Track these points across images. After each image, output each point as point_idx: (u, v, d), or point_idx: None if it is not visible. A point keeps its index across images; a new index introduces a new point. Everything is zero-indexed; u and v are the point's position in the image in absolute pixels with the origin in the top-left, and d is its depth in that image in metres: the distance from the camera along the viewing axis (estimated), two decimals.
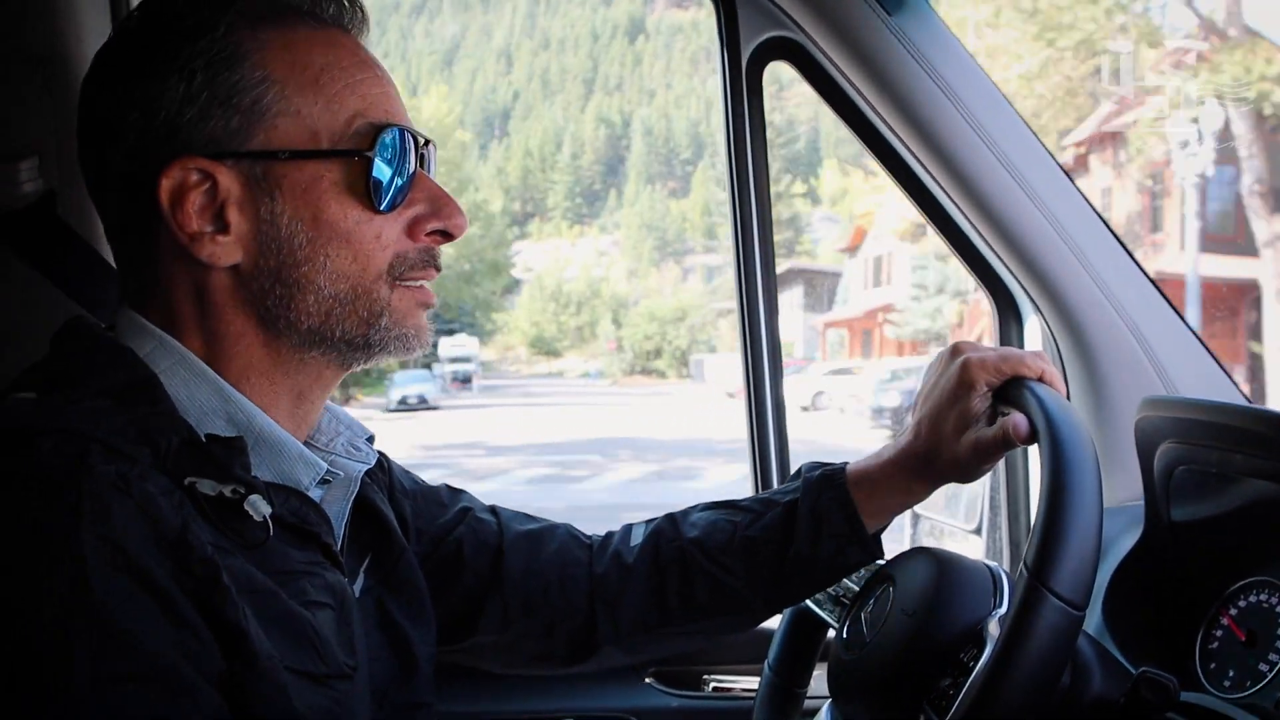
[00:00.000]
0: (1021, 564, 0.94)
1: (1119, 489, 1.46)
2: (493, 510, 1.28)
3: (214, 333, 0.95)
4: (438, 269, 1.01)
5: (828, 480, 1.22)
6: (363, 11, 1.01)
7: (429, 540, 1.21)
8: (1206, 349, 1.49)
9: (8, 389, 0.89)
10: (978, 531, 1.66)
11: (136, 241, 0.95)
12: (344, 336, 0.96)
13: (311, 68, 0.94)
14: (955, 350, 1.17)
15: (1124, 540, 1.34)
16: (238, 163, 0.92)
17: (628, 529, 1.29)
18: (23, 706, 0.73)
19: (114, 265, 1.00)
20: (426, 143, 1.01)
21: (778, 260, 1.72)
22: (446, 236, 1.01)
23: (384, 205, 0.96)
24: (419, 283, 1.00)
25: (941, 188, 1.51)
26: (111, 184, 0.95)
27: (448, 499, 1.26)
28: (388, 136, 0.95)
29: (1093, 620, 1.30)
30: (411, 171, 0.98)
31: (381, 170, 0.95)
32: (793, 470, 1.28)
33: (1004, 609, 1.05)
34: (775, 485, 1.77)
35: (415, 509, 1.21)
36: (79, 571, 0.75)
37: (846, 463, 1.23)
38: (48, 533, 0.76)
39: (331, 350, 0.97)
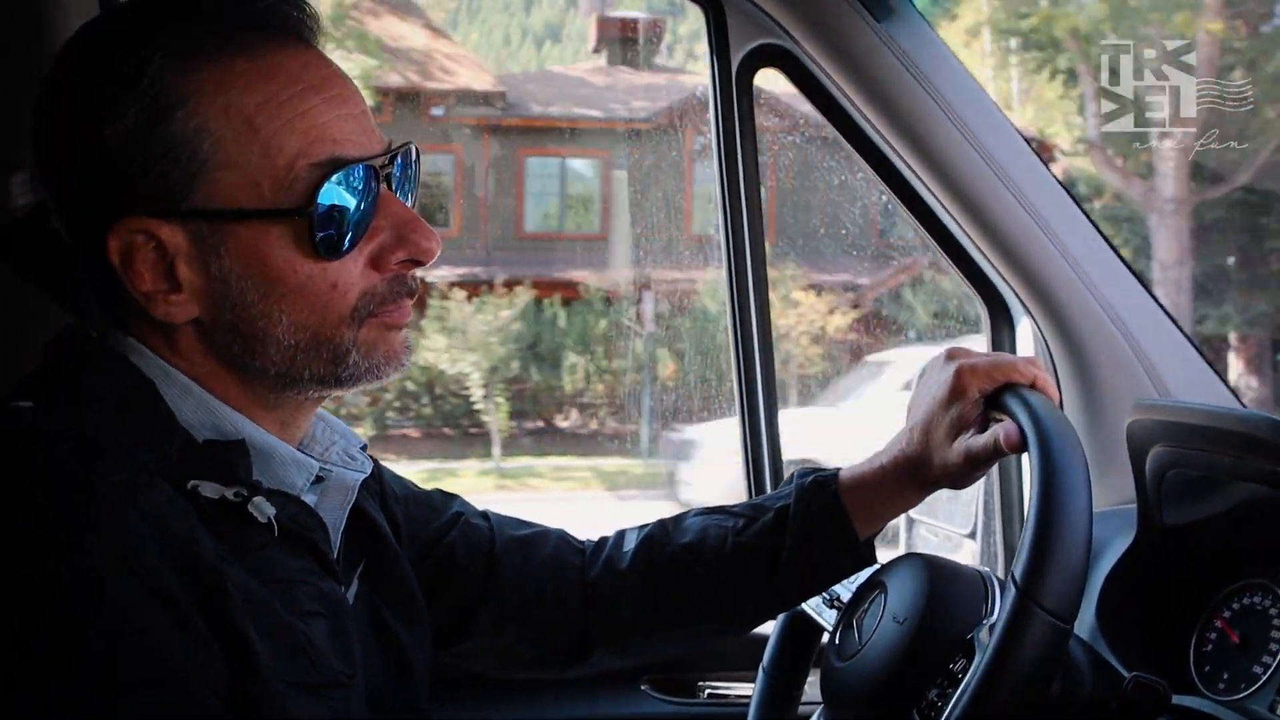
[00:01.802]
0: (1009, 577, 0.94)
1: (1112, 491, 1.46)
2: (485, 515, 1.27)
3: (190, 370, 0.93)
4: (412, 294, 0.97)
5: (819, 486, 1.22)
6: (311, 18, 0.94)
7: (421, 545, 1.20)
8: (1199, 351, 1.49)
9: (6, 397, 0.88)
10: (972, 536, 1.66)
11: (102, 281, 0.92)
12: (313, 378, 0.94)
13: (246, 109, 0.88)
14: (949, 356, 1.17)
15: (1117, 544, 1.34)
16: (182, 220, 0.88)
17: (621, 534, 1.29)
18: (31, 712, 0.73)
19: None
20: (393, 158, 0.95)
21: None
22: (416, 263, 0.96)
23: (335, 254, 0.91)
24: (395, 311, 0.96)
25: (932, 193, 1.51)
26: (69, 226, 0.93)
27: (440, 504, 1.25)
28: (334, 180, 0.89)
29: (1086, 624, 1.30)
30: (371, 201, 0.92)
31: (328, 219, 0.89)
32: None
33: (995, 616, 1.04)
34: (768, 490, 1.77)
35: (407, 515, 1.20)
36: (87, 578, 0.75)
37: (839, 468, 1.23)
38: (56, 539, 0.76)
39: (306, 389, 0.95)
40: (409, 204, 0.99)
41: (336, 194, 0.90)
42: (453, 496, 1.28)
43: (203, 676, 0.78)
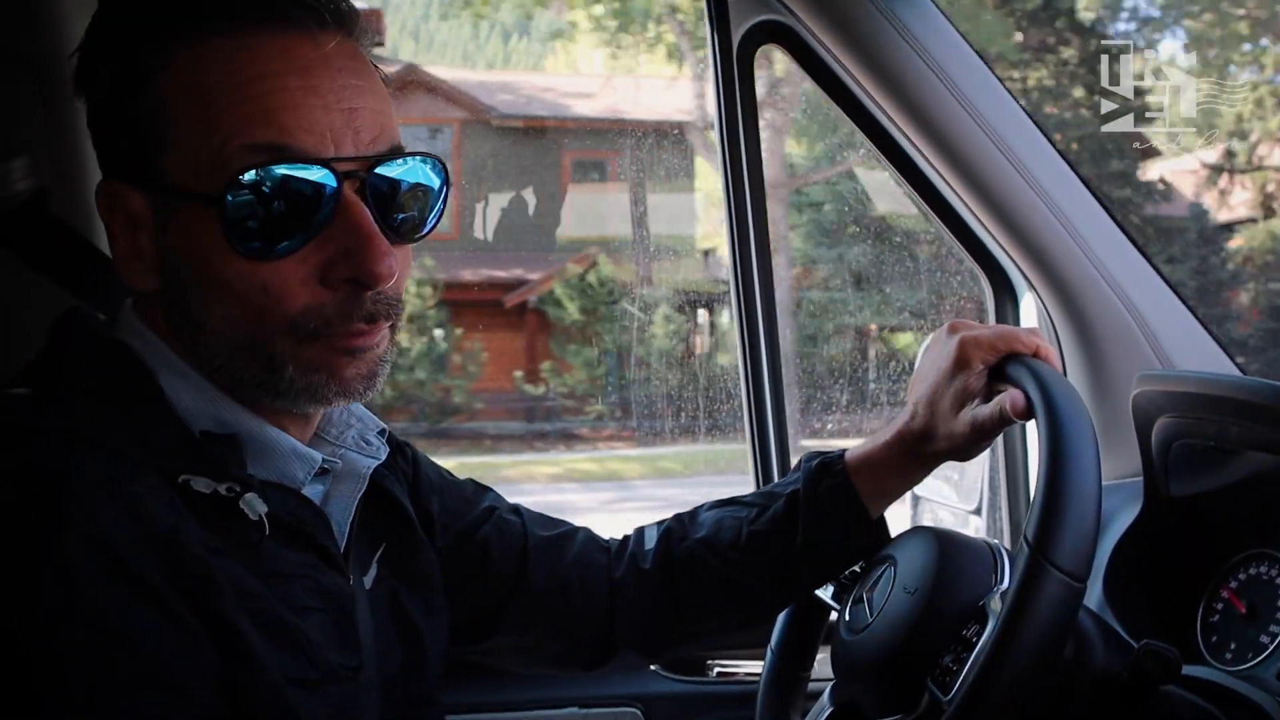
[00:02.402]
0: (1022, 537, 0.94)
1: (1118, 465, 1.46)
2: (516, 510, 1.26)
3: (184, 354, 0.91)
4: (370, 322, 0.88)
5: (826, 468, 1.22)
6: (330, 6, 0.88)
7: (454, 536, 1.19)
8: (1201, 322, 1.49)
9: (6, 384, 0.87)
10: (978, 512, 1.66)
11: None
12: (253, 381, 0.89)
13: (203, 86, 0.84)
14: (951, 329, 1.17)
15: (1124, 516, 1.34)
16: (145, 190, 0.87)
17: (640, 532, 1.29)
18: (17, 713, 0.71)
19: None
20: (374, 164, 0.87)
21: None
22: (363, 286, 0.87)
23: (256, 253, 0.84)
24: (345, 335, 0.88)
25: (935, 168, 1.50)
26: None
27: (473, 495, 1.24)
28: (272, 170, 0.82)
29: (1094, 596, 1.30)
30: (322, 204, 0.85)
31: (249, 212, 0.83)
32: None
33: (1005, 585, 1.05)
34: (777, 477, 1.77)
35: (442, 504, 1.19)
36: (65, 573, 0.73)
37: (844, 450, 1.24)
38: (32, 534, 0.74)
39: (250, 392, 0.90)
40: (405, 221, 0.92)
41: (270, 186, 0.83)
42: (485, 489, 1.27)
43: (192, 665, 0.77)
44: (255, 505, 0.86)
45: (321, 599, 0.91)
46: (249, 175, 0.82)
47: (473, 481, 1.27)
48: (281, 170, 0.83)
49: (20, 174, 1.33)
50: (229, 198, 0.82)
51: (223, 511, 0.85)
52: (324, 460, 0.96)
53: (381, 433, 1.05)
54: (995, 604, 1.00)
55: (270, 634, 0.84)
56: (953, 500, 1.70)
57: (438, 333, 10.94)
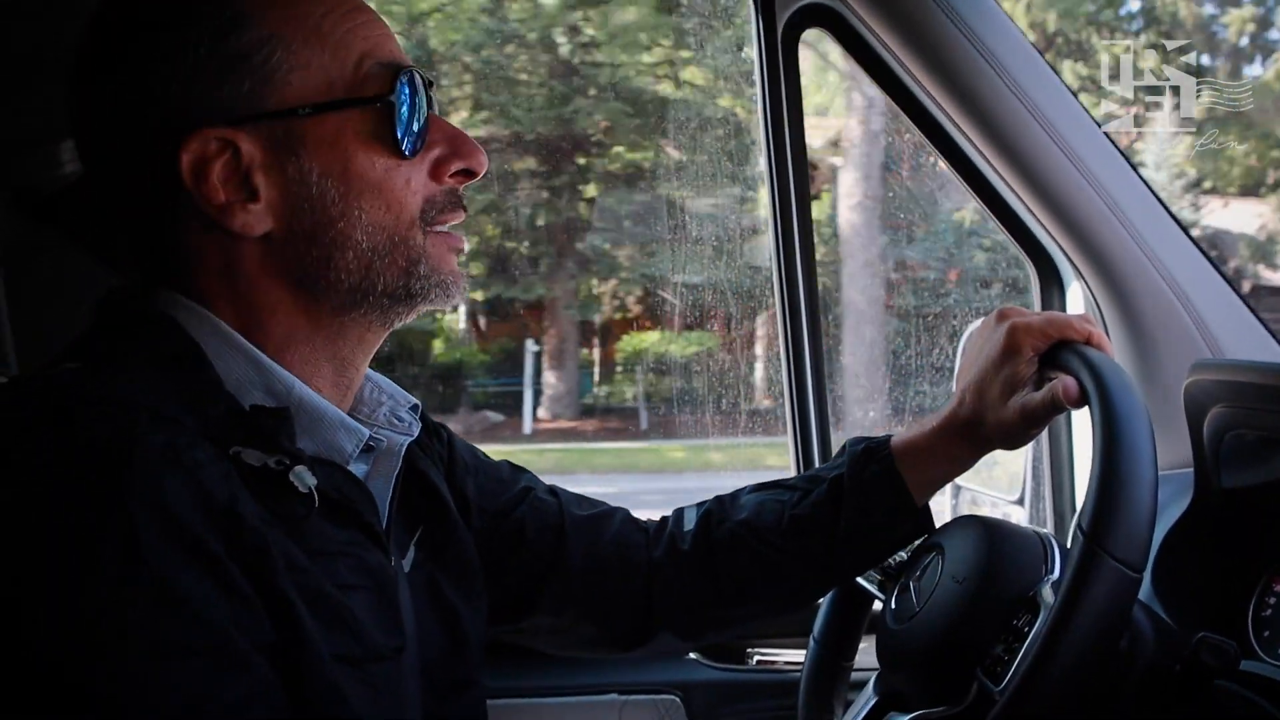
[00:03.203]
0: (1076, 526, 0.93)
1: (1168, 456, 1.43)
2: (553, 491, 1.26)
3: (250, 305, 0.92)
4: (465, 209, 1.00)
5: (871, 453, 1.21)
6: None
7: (489, 517, 1.19)
8: (1253, 311, 1.47)
9: (55, 360, 0.88)
10: (1020, 503, 1.65)
11: (156, 221, 0.92)
12: (386, 290, 0.94)
13: (313, 17, 0.92)
14: (1000, 316, 1.16)
15: (1174, 508, 1.32)
16: (257, 126, 0.89)
17: (679, 513, 1.28)
18: (79, 678, 0.72)
19: None
20: (430, 84, 0.98)
21: None
22: (469, 175, 0.99)
23: (409, 149, 0.94)
24: (448, 226, 0.98)
25: (983, 155, 1.48)
26: (123, 166, 0.92)
27: (509, 476, 1.24)
28: (403, 78, 0.93)
29: (1142, 589, 1.28)
30: (427, 113, 0.96)
31: (402, 114, 0.93)
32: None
33: (1056, 575, 1.03)
34: (818, 464, 1.76)
35: (478, 486, 1.19)
36: (130, 541, 0.74)
37: (890, 435, 1.22)
38: (98, 503, 0.75)
39: (374, 308, 0.95)
40: None
41: (411, 92, 0.94)
42: (521, 470, 1.27)
43: (249, 635, 0.77)
44: (305, 478, 0.87)
45: (366, 577, 0.92)
46: (403, 76, 0.93)
47: (509, 463, 1.27)
48: (410, 79, 0.94)
49: (69, 155, 1.34)
50: (392, 100, 0.92)
51: (272, 485, 0.85)
52: (369, 437, 0.96)
53: (414, 408, 1.05)
54: (1047, 594, 0.99)
55: (317, 609, 0.84)
56: (994, 490, 1.68)
57: None
